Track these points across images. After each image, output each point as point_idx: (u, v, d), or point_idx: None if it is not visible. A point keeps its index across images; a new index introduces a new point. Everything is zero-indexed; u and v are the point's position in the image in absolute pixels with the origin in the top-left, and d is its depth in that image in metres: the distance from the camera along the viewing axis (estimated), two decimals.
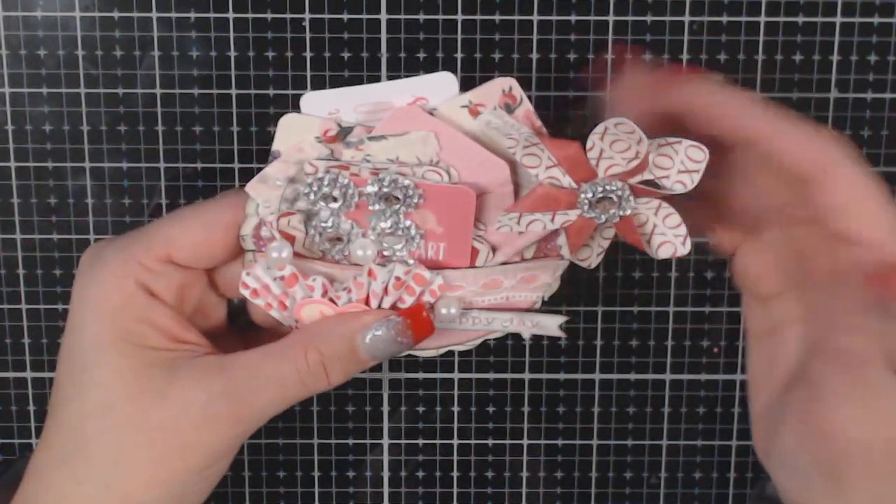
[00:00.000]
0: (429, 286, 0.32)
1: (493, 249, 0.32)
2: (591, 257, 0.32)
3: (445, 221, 0.32)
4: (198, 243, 0.32)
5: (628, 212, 0.30)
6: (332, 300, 0.32)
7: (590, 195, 0.30)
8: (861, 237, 0.28)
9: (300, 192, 0.32)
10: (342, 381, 0.32)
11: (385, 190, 0.31)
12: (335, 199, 0.31)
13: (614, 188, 0.30)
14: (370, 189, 0.31)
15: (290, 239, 0.32)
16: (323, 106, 0.32)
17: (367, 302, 0.32)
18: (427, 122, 0.31)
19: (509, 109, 0.32)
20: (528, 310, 0.33)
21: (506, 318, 0.33)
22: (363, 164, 0.31)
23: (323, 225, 0.32)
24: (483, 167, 0.31)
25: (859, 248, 0.28)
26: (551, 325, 0.33)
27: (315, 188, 0.31)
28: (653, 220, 0.31)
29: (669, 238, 0.31)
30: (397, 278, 0.31)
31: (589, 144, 0.30)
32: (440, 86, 0.32)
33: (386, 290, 0.31)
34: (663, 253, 0.31)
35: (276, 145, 0.32)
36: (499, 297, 0.33)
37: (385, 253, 0.32)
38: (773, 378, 0.32)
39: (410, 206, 0.31)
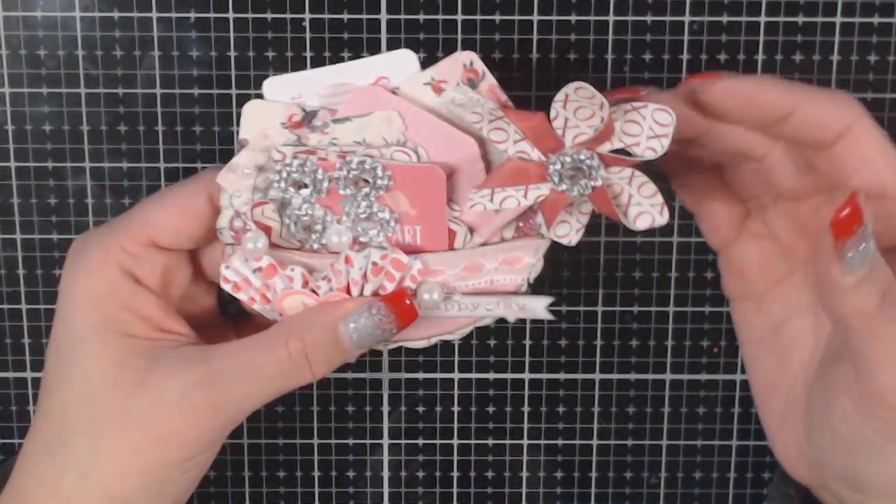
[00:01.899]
0: (408, 271, 0.31)
1: (471, 230, 0.32)
2: (571, 234, 0.32)
3: (418, 203, 0.31)
4: (178, 222, 0.31)
5: (599, 182, 0.30)
6: (313, 291, 0.31)
7: (558, 166, 0.30)
8: (887, 189, 0.28)
9: (271, 181, 0.32)
10: (325, 373, 0.31)
11: (353, 173, 0.31)
12: (305, 186, 0.31)
13: (583, 157, 0.30)
14: (339, 173, 0.31)
15: (266, 230, 0.32)
16: (285, 90, 0.32)
17: (347, 291, 0.31)
18: (390, 101, 0.31)
19: (472, 84, 0.31)
20: (514, 293, 0.33)
21: (491, 301, 0.32)
22: (330, 147, 0.31)
23: (297, 213, 0.32)
24: (451, 145, 0.31)
25: (885, 201, 0.28)
26: (538, 307, 0.33)
27: (284, 175, 0.31)
28: (627, 190, 0.30)
29: (646, 208, 0.30)
30: (374, 263, 0.31)
31: (552, 114, 0.29)
32: (401, 64, 0.31)
33: (365, 276, 0.31)
34: (641, 224, 0.30)
35: (243, 133, 0.32)
36: (482, 281, 0.32)
37: (361, 239, 0.32)
38: (788, 378, 0.32)
39: (380, 189, 0.31)
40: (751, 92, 0.28)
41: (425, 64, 0.31)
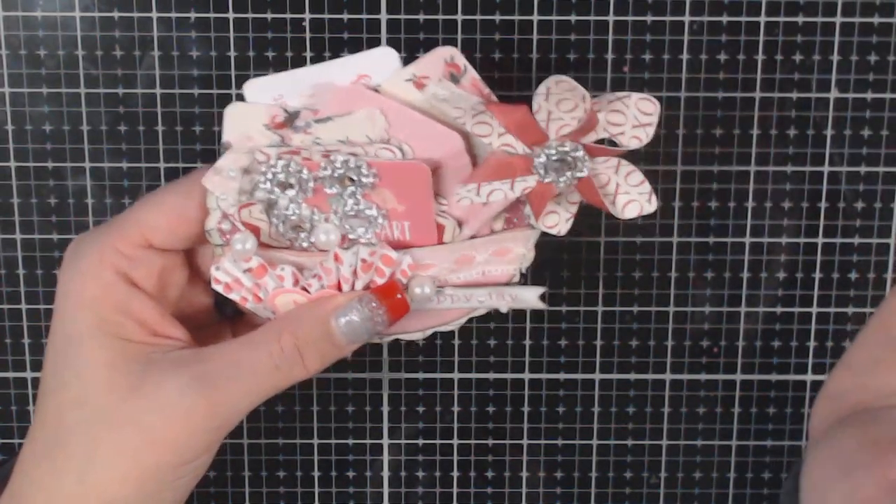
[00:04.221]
0: (398, 267, 0.31)
1: (459, 224, 0.32)
2: (560, 224, 0.32)
3: (405, 199, 0.31)
4: (172, 222, 0.31)
5: (585, 172, 0.30)
6: (304, 289, 0.31)
7: (543, 159, 0.30)
8: None
9: (257, 182, 0.31)
10: (320, 369, 0.31)
11: (338, 171, 0.31)
12: (291, 186, 0.31)
13: (567, 149, 0.29)
14: (324, 172, 0.31)
15: (255, 230, 0.32)
16: (267, 92, 0.32)
17: (338, 288, 0.31)
18: (372, 99, 0.31)
19: (454, 79, 0.31)
20: (507, 284, 0.33)
21: (483, 292, 0.32)
22: (314, 147, 0.31)
23: (284, 213, 0.32)
24: (436, 140, 0.31)
25: None
26: (530, 297, 0.32)
27: (269, 176, 0.31)
28: (615, 179, 0.30)
29: (634, 196, 0.30)
30: (363, 260, 0.31)
31: (535, 106, 0.29)
32: (382, 62, 0.31)
33: (355, 273, 0.31)
34: (630, 212, 0.30)
35: (226, 136, 0.32)
36: (474, 273, 0.32)
37: (350, 237, 0.32)
38: (880, 347, 0.31)
39: (366, 186, 0.31)
40: None
41: (406, 62, 0.31)
